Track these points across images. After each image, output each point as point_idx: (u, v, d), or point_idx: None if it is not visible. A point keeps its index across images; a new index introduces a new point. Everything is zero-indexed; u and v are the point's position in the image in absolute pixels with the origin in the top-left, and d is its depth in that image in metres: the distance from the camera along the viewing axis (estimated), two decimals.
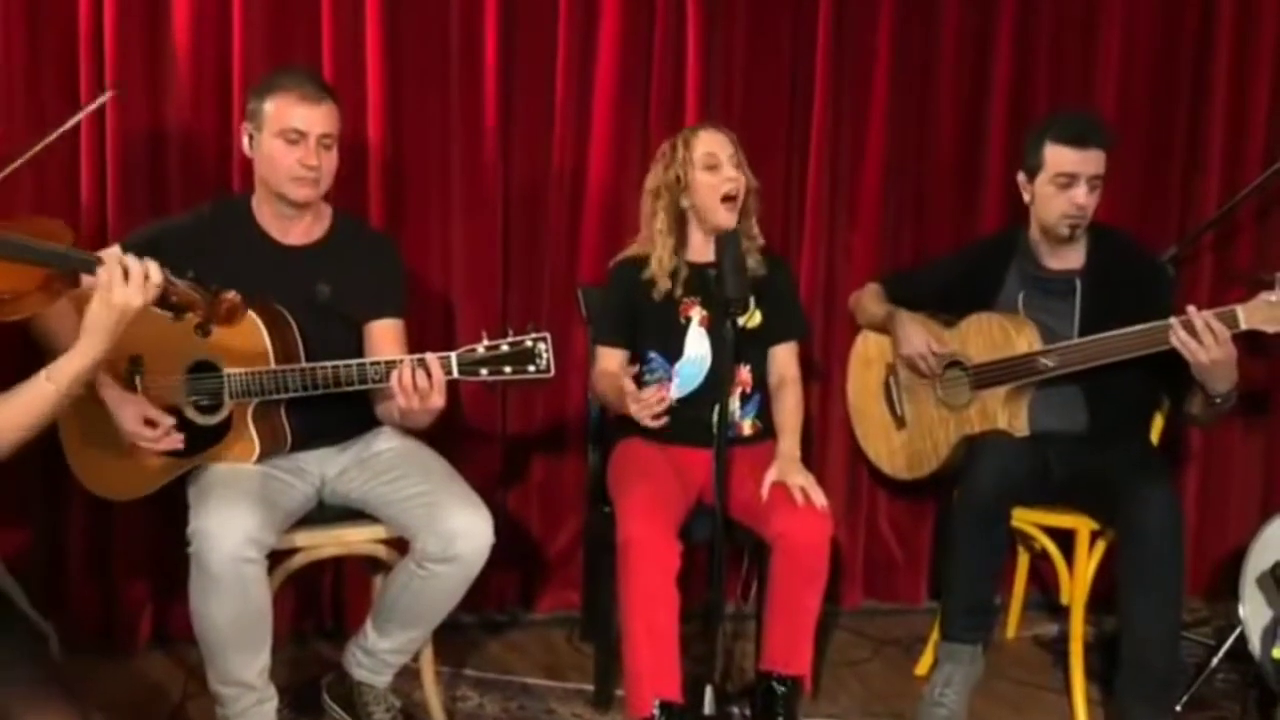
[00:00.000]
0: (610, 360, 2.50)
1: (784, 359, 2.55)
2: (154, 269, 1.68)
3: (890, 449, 2.80)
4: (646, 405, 2.21)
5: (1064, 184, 2.46)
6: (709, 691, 2.21)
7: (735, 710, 2.42)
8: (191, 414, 2.14)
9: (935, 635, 2.61)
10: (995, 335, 2.54)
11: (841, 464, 3.09)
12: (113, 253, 1.68)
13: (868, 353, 2.85)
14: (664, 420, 2.23)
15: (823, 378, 3.05)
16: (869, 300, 2.80)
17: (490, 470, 2.90)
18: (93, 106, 1.60)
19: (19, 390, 1.63)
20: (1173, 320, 2.25)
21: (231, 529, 1.92)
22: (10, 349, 2.05)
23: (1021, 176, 2.56)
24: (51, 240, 1.73)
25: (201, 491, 2.01)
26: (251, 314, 2.04)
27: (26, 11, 2.53)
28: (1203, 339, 2.21)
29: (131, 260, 1.66)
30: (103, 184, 2.59)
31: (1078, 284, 2.55)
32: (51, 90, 2.55)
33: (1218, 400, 2.33)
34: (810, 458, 2.44)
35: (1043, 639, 3.00)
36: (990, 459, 2.43)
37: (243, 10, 2.62)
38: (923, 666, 2.72)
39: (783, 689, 2.29)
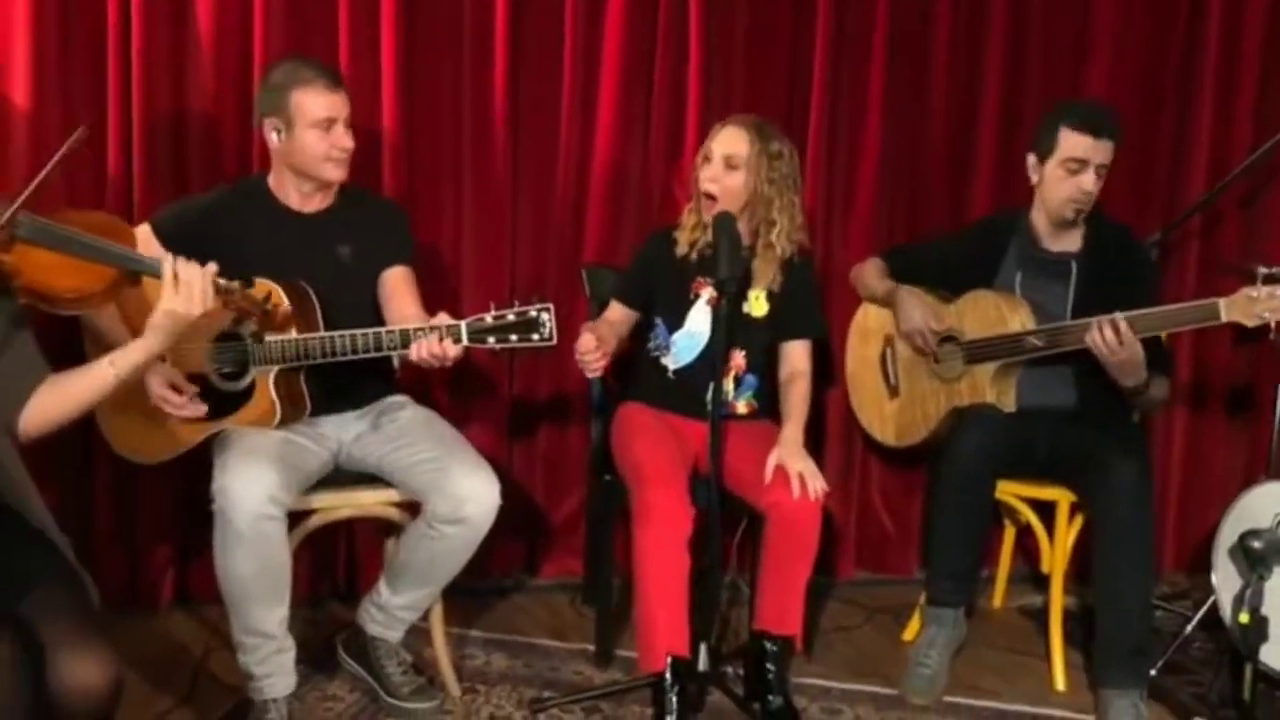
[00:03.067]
0: (613, 314, 2.64)
1: (797, 355, 2.63)
2: (208, 279, 1.81)
3: (882, 417, 2.91)
4: (582, 352, 2.31)
5: (1074, 169, 2.53)
6: (704, 649, 2.33)
7: (729, 670, 2.54)
8: (216, 380, 2.26)
9: (922, 601, 2.72)
10: (990, 313, 2.64)
11: (837, 440, 3.20)
12: (168, 262, 1.79)
13: (867, 325, 2.95)
14: (595, 375, 2.36)
15: (819, 356, 3.15)
16: (870, 274, 2.88)
17: (497, 442, 3.01)
18: (67, 146, 1.70)
19: (82, 372, 1.74)
20: (1093, 320, 2.38)
21: (253, 488, 2.04)
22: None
23: (1031, 158, 2.64)
24: (117, 239, 1.83)
25: (225, 452, 2.13)
26: (277, 289, 2.16)
27: (60, 1, 2.64)
28: (1107, 340, 2.35)
29: (184, 269, 1.77)
30: (129, 165, 2.71)
31: (1074, 266, 2.64)
32: (82, 77, 2.66)
33: (1130, 392, 2.47)
34: (807, 433, 2.53)
35: (1027, 609, 3.11)
36: (975, 430, 2.54)
37: (263, 5, 2.73)
38: (910, 632, 2.84)
39: (774, 648, 2.40)
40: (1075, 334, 2.45)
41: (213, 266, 1.88)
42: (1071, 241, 2.66)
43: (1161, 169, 3.28)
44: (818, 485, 2.36)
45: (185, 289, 1.78)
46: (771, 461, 2.40)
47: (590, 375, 2.37)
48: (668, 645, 2.25)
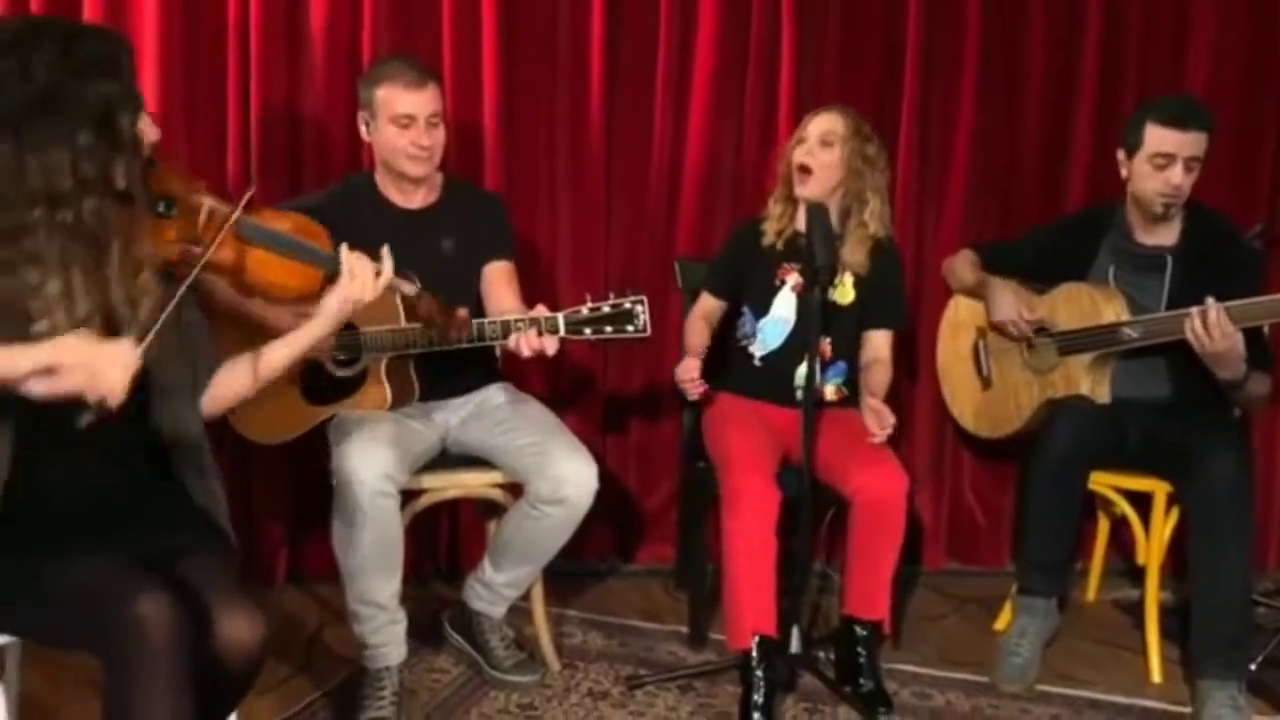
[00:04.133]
0: (705, 305, 2.74)
1: (879, 343, 2.67)
2: (386, 267, 1.89)
3: (974, 408, 2.93)
4: (682, 379, 2.47)
5: (1161, 164, 2.52)
6: (795, 631, 2.39)
7: (821, 655, 2.58)
8: (331, 367, 2.39)
9: (1013, 590, 2.72)
10: (1084, 304, 2.63)
11: (926, 432, 3.22)
12: (345, 254, 1.88)
13: (958, 317, 2.97)
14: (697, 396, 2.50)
15: (910, 349, 3.17)
16: (962, 266, 2.90)
17: (592, 432, 3.09)
18: (245, 198, 1.83)
19: (255, 356, 1.84)
20: (1192, 310, 2.36)
21: (372, 466, 2.15)
22: None
23: (1121, 154, 2.63)
24: (313, 239, 1.92)
25: (343, 433, 2.25)
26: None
27: (181, 5, 2.81)
28: (1211, 331, 2.33)
29: (360, 260, 1.87)
30: (247, 162, 2.87)
31: (1169, 261, 2.61)
32: (204, 79, 2.83)
33: (1228, 385, 2.44)
34: (898, 426, 2.53)
35: (1122, 603, 3.08)
36: (1069, 421, 2.54)
37: (372, 4, 2.86)
38: (1001, 622, 2.84)
39: (863, 632, 2.44)
40: (1172, 324, 2.44)
41: (386, 264, 1.92)
42: (1167, 235, 2.64)
43: (1266, 159, 3.22)
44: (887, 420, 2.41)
45: (360, 280, 1.85)
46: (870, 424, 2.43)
47: (690, 399, 2.48)
48: (754, 625, 2.31)
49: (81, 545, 1.58)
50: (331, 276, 1.87)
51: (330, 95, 2.90)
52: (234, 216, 1.75)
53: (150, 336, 1.56)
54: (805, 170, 2.56)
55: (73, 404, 1.49)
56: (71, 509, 1.64)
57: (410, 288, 2.09)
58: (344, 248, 1.88)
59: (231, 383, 1.83)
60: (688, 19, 3.02)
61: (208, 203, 1.77)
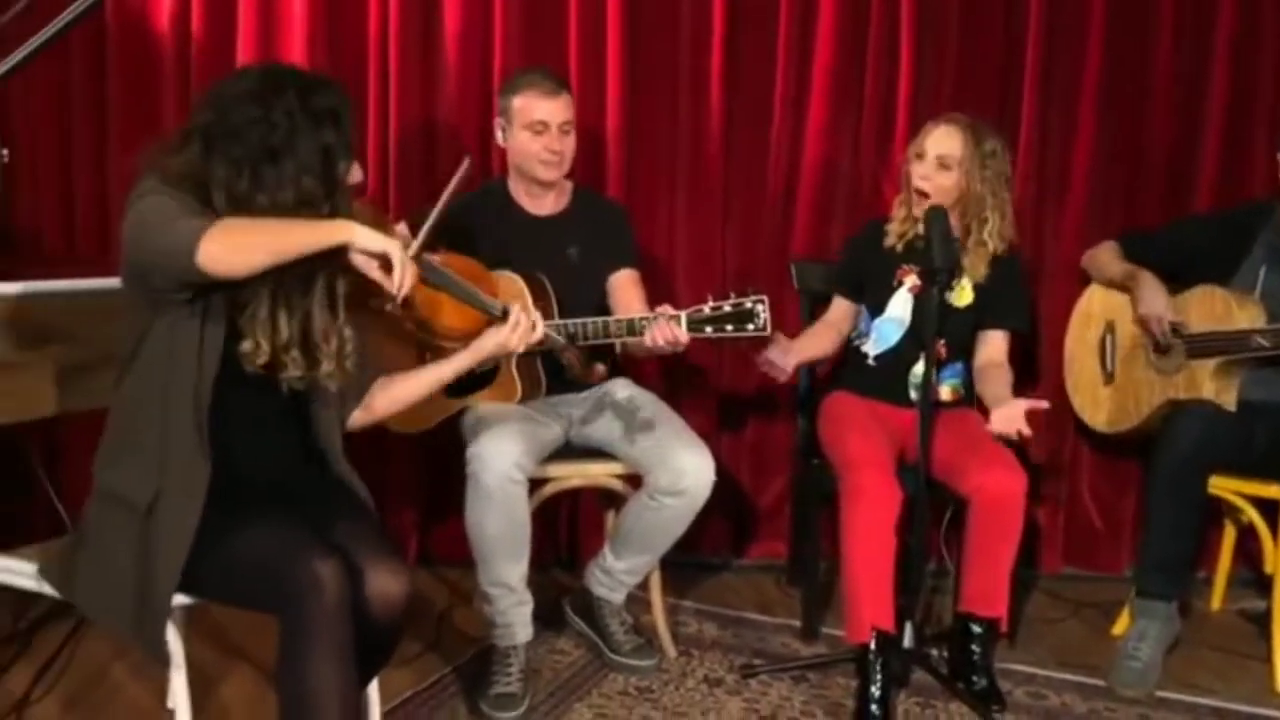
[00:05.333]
0: (837, 310, 2.78)
1: (996, 344, 2.66)
2: (539, 327, 2.05)
3: (1095, 401, 2.91)
4: (772, 363, 2.48)
5: None
6: (909, 628, 2.43)
7: (934, 652, 2.61)
8: None
9: (1132, 594, 2.69)
10: (1217, 308, 2.60)
11: (1046, 432, 3.18)
12: (515, 310, 2.03)
13: (1090, 309, 2.95)
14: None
15: (1031, 351, 3.15)
16: (1106, 257, 2.87)
17: (706, 428, 3.14)
18: (459, 174, 1.98)
19: (418, 374, 2.03)
20: None
21: (502, 453, 2.28)
22: None
23: None
24: (480, 284, 2.08)
25: (476, 423, 2.38)
26: (518, 279, 2.40)
27: (327, 24, 3.00)
28: None
29: (524, 315, 2.02)
30: (385, 169, 3.04)
31: None
32: (347, 85, 2.94)
33: None
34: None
35: (1248, 612, 3.01)
36: (1190, 423, 2.52)
37: (502, 21, 3.01)
38: (1120, 627, 2.81)
39: (979, 629, 2.46)
40: None
41: (539, 320, 2.06)
42: None
43: None
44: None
45: (520, 332, 2.01)
46: (998, 415, 2.41)
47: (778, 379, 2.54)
48: (873, 619, 2.35)
49: (262, 512, 1.74)
50: (491, 321, 2.02)
51: (463, 106, 3.06)
52: (415, 251, 1.90)
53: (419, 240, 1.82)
54: (923, 195, 2.59)
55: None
56: (253, 479, 1.81)
57: (561, 341, 2.21)
58: (514, 306, 2.04)
59: (385, 399, 2.01)
60: (806, 23, 3.07)
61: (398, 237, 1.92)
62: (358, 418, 2.00)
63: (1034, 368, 3.15)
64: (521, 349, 2.04)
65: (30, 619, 2.57)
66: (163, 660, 1.74)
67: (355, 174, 1.80)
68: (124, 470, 1.74)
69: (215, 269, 1.57)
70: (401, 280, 1.69)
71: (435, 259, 2.01)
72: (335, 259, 1.69)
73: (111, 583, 1.73)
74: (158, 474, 1.70)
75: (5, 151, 3.02)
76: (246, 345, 1.72)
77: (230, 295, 1.70)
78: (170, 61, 3.02)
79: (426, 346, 2.30)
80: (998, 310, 2.66)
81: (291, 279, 1.71)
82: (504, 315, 2.01)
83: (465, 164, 2.00)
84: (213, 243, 1.56)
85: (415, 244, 1.96)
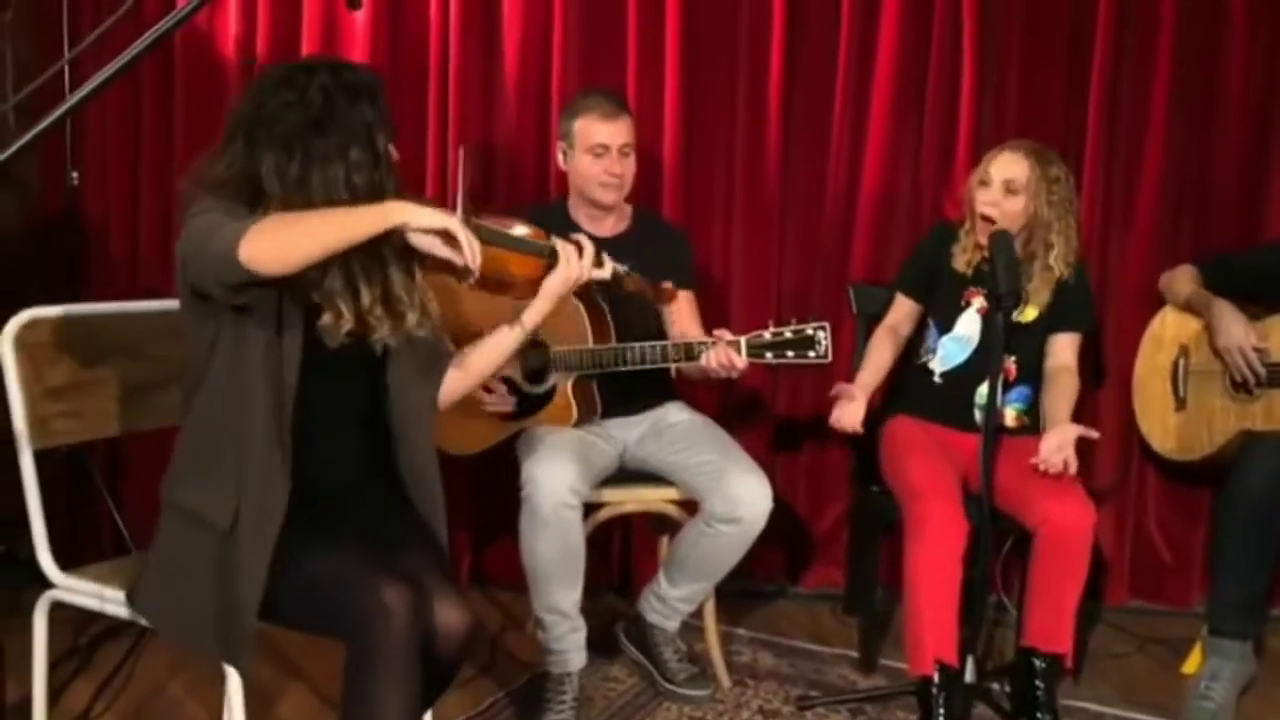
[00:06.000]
0: (899, 310, 2.73)
1: (1062, 347, 2.62)
2: (590, 251, 2.00)
3: (1164, 427, 2.84)
4: (843, 426, 2.49)
5: None
6: (970, 662, 2.37)
7: (995, 687, 2.54)
8: (522, 384, 2.53)
9: (1204, 632, 2.61)
10: None
11: (1110, 461, 3.11)
12: (558, 241, 2.00)
13: (1163, 333, 2.88)
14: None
15: (1098, 376, 3.08)
16: (1182, 282, 2.80)
17: (761, 452, 3.10)
18: (462, 164, 1.96)
19: (490, 340, 1.98)
20: None
21: (558, 479, 2.27)
22: None
23: None
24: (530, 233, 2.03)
25: (531, 447, 2.38)
26: (574, 300, 2.39)
27: (389, 47, 3.03)
28: None
29: (572, 246, 1.98)
30: (444, 193, 3.06)
31: None
32: (407, 112, 3.04)
33: None
34: (1082, 455, 2.46)
35: None
36: (1266, 455, 2.44)
37: (561, 44, 3.02)
38: (1190, 665, 2.72)
39: (1043, 665, 2.39)
40: None
41: (589, 246, 2.01)
42: None
43: None
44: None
45: (577, 264, 1.96)
46: (1047, 444, 2.40)
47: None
48: (936, 652, 2.30)
49: (333, 533, 1.75)
50: (550, 264, 1.98)
51: (521, 130, 3.07)
52: (464, 214, 1.85)
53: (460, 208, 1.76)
54: (988, 220, 2.55)
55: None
56: (327, 488, 1.81)
57: (621, 267, 2.14)
58: (555, 238, 2.00)
59: (463, 373, 1.97)
60: (866, 42, 3.04)
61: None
62: (453, 382, 1.96)
63: (1097, 394, 3.08)
64: (587, 275, 1.98)
65: (91, 635, 2.60)
66: (245, 675, 1.75)
67: (393, 152, 1.79)
68: (201, 491, 1.73)
69: (262, 267, 1.53)
70: (471, 249, 1.66)
71: (488, 222, 1.96)
72: (396, 242, 1.67)
73: (192, 605, 1.73)
74: (236, 493, 1.70)
75: (75, 175, 3.11)
76: (327, 319, 1.69)
77: (301, 286, 1.67)
78: (236, 88, 3.07)
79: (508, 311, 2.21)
80: (1064, 315, 2.63)
81: (361, 256, 1.68)
82: (553, 253, 1.98)
83: (462, 154, 1.97)
84: (253, 242, 1.53)
85: (458, 212, 1.90)
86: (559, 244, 1.98)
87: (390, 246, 1.70)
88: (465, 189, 1.91)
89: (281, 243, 1.55)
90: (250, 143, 1.69)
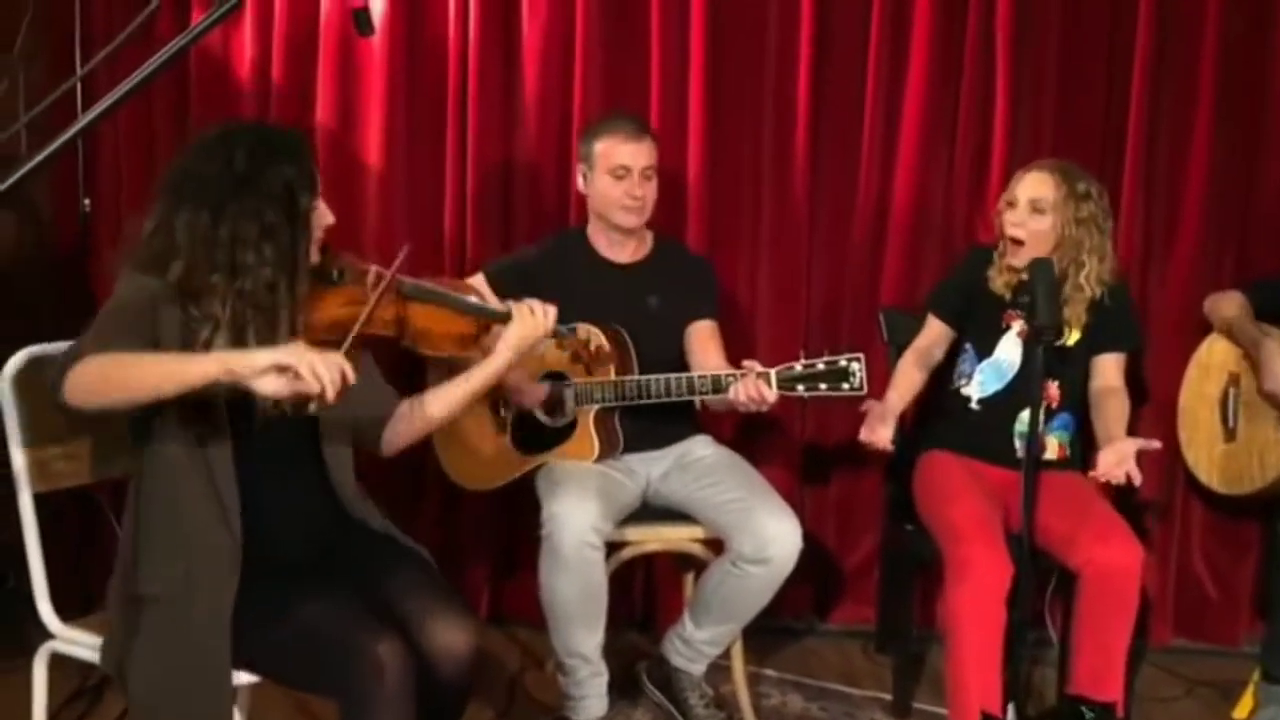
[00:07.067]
0: (931, 332, 2.64)
1: (1109, 368, 2.55)
2: (551, 311, 1.99)
3: (1210, 458, 2.73)
4: (874, 444, 2.39)
5: None
6: (1011, 710, 2.25)
7: None
8: (541, 416, 2.44)
9: (1256, 676, 2.50)
10: None
11: (1153, 485, 2.95)
12: (520, 303, 1.99)
13: (1210, 360, 2.77)
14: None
15: (1139, 402, 2.96)
16: (1228, 307, 2.70)
17: (790, 486, 3.02)
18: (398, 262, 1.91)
19: (441, 390, 1.96)
20: None
21: (579, 517, 2.18)
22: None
23: None
24: (466, 291, 2.02)
25: (552, 483, 2.29)
26: (596, 330, 2.31)
27: (406, 70, 2.97)
28: None
29: (535, 304, 1.97)
30: (463, 217, 2.99)
31: None
32: (424, 138, 2.98)
33: None
34: (1123, 489, 2.37)
35: None
36: None
37: (583, 65, 2.94)
38: (1242, 709, 2.60)
39: (1092, 714, 2.28)
40: None
41: (551, 307, 2.01)
42: None
43: None
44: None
45: (532, 316, 1.96)
46: (1105, 459, 2.31)
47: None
48: (981, 703, 2.19)
49: (309, 585, 1.68)
50: (488, 327, 1.97)
51: (540, 154, 2.99)
52: (390, 275, 1.82)
53: (348, 343, 1.67)
54: (1017, 242, 2.47)
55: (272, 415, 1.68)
56: (294, 549, 1.75)
57: (563, 329, 2.10)
58: (511, 304, 1.99)
59: (413, 420, 1.94)
60: (897, 61, 2.95)
61: (373, 269, 1.87)
62: (392, 440, 1.95)
63: (1137, 424, 2.95)
64: (544, 333, 1.97)
65: (98, 676, 2.52)
66: None
67: (326, 217, 1.79)
68: (148, 561, 1.70)
69: (79, 404, 1.53)
70: (315, 376, 1.50)
71: (425, 282, 1.94)
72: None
73: (161, 673, 1.66)
74: (183, 554, 1.66)
75: (87, 201, 3.06)
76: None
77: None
78: (251, 111, 3.01)
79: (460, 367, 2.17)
80: (1108, 335, 2.54)
81: (252, 311, 1.68)
82: (508, 316, 1.96)
83: (404, 252, 1.89)
84: (77, 379, 1.52)
85: (389, 276, 1.83)
86: (514, 306, 1.97)
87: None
88: (400, 263, 1.84)
89: (108, 384, 1.53)
90: (175, 201, 1.70)
